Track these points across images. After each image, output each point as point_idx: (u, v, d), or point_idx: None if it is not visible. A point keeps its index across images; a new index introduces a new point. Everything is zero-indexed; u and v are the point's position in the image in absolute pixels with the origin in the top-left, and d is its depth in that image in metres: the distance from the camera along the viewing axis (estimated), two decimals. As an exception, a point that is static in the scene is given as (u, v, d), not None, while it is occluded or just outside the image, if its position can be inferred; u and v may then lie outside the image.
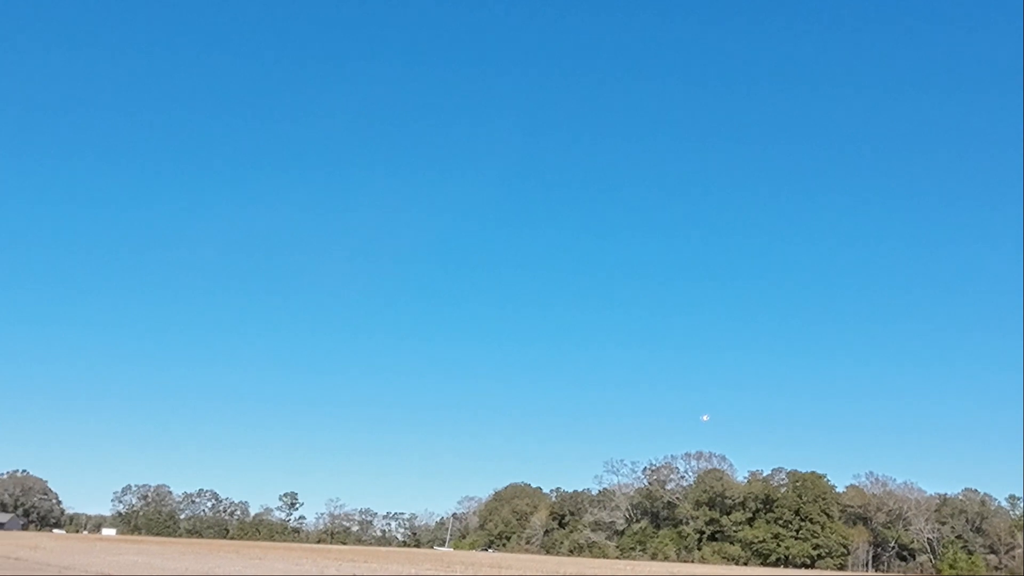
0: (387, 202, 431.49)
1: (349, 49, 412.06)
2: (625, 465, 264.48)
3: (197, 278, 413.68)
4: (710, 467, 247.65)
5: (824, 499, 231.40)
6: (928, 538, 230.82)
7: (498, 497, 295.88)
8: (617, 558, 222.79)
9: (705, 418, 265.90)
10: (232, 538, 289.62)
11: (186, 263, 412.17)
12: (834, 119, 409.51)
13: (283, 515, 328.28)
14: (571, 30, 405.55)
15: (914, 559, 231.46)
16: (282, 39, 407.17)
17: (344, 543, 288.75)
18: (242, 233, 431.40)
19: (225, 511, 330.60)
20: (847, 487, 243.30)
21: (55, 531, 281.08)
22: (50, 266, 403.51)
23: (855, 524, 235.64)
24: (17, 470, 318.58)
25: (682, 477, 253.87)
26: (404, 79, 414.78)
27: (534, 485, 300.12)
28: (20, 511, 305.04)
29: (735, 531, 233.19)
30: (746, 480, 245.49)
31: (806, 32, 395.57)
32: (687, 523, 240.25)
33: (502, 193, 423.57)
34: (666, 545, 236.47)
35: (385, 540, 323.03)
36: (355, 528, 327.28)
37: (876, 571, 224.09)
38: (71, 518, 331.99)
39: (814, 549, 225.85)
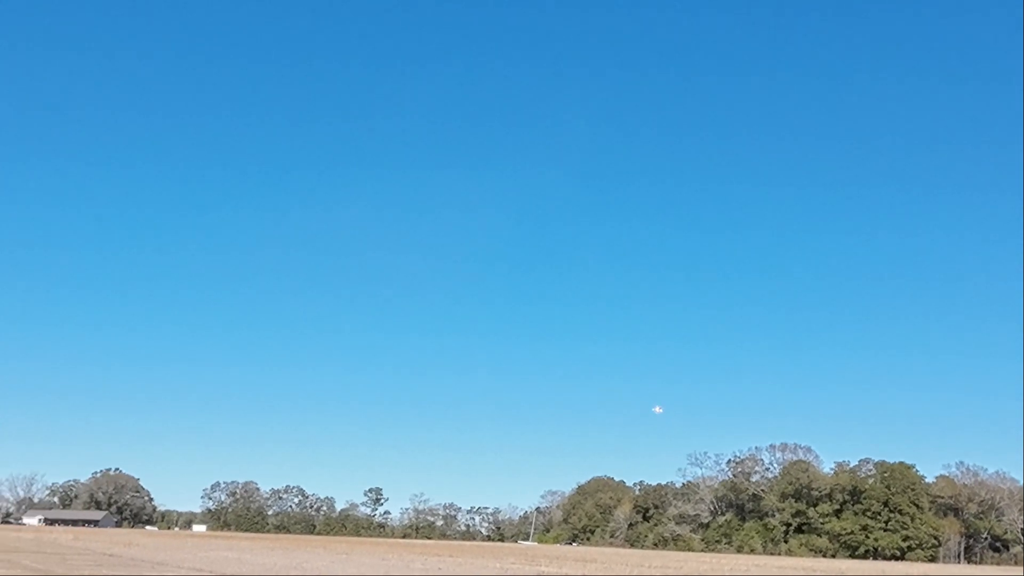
0: (463, 201, 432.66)
1: (425, 51, 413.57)
2: (709, 458, 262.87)
3: (280, 278, 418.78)
4: (795, 459, 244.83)
5: (913, 490, 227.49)
6: (1022, 528, 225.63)
7: (581, 491, 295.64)
8: (702, 551, 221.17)
9: (658, 409, 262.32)
10: (319, 533, 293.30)
11: (267, 264, 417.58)
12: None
13: (368, 510, 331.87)
14: (639, 28, 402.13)
15: (1008, 550, 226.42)
16: (362, 42, 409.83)
17: (428, 538, 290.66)
18: (323, 234, 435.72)
19: (312, 507, 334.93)
20: (937, 477, 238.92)
21: (147, 528, 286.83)
22: (148, 271, 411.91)
23: (946, 515, 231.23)
24: (110, 469, 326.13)
25: (767, 469, 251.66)
26: (479, 80, 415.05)
27: (617, 479, 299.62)
28: (114, 509, 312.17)
29: (822, 523, 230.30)
30: (832, 471, 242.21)
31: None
32: (773, 515, 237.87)
33: (575, 191, 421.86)
34: (752, 538, 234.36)
35: (469, 534, 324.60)
36: (439, 523, 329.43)
37: (968, 563, 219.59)
38: (163, 515, 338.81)
39: (904, 541, 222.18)
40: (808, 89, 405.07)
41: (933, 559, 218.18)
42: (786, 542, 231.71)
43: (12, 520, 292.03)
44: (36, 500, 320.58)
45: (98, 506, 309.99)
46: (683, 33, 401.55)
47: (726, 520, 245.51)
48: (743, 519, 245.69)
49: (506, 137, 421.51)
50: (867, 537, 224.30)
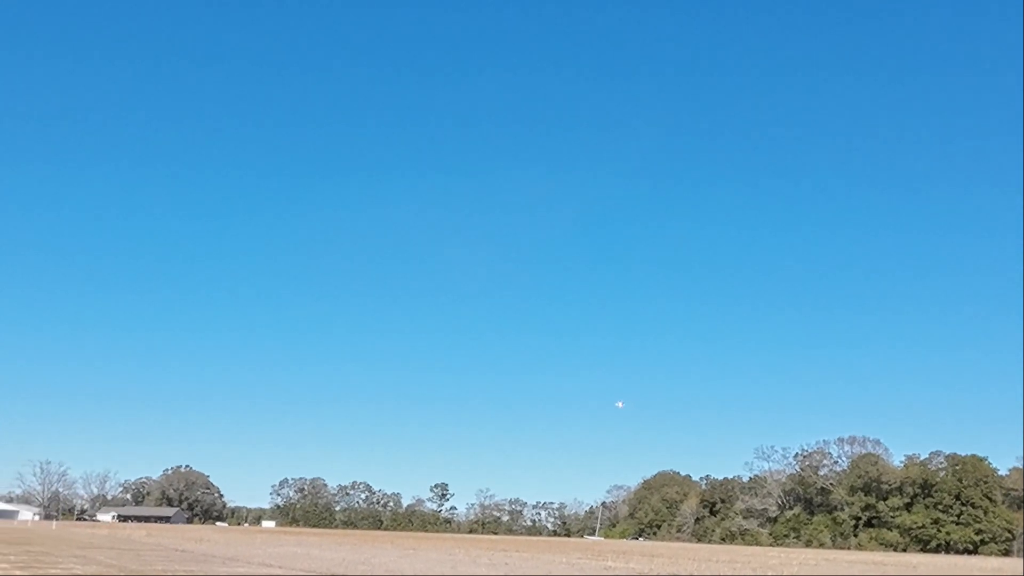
0: (524, 202, 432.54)
1: (485, 53, 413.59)
2: (776, 451, 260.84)
3: (347, 279, 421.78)
4: (864, 452, 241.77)
5: (986, 482, 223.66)
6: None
7: (647, 485, 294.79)
8: (770, 545, 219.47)
9: (619, 404, 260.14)
10: (386, 529, 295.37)
11: (336, 264, 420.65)
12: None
13: (434, 506, 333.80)
14: (698, 28, 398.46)
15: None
16: (420, 43, 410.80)
17: (494, 533, 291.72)
18: (388, 234, 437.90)
19: (378, 502, 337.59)
20: (1011, 470, 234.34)
21: (218, 524, 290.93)
22: (218, 273, 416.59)
23: (1019, 508, 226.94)
24: (181, 466, 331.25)
25: (835, 462, 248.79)
26: (541, 81, 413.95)
27: (683, 473, 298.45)
28: (185, 505, 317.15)
29: (892, 517, 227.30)
30: (902, 464, 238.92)
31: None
32: (842, 509, 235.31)
33: (637, 191, 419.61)
34: (821, 532, 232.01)
35: (535, 530, 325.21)
36: (505, 518, 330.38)
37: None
38: (232, 511, 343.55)
39: (976, 535, 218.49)
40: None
41: (1007, 553, 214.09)
42: (855, 536, 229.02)
43: (87, 517, 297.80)
44: (110, 497, 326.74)
45: (169, 503, 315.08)
46: (748, 32, 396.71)
47: (794, 514, 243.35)
48: (811, 513, 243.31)
49: (567, 137, 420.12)
50: (939, 531, 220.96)
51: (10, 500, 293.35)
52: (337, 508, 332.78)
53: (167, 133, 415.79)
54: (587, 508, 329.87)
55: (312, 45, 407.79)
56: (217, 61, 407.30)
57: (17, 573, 31.28)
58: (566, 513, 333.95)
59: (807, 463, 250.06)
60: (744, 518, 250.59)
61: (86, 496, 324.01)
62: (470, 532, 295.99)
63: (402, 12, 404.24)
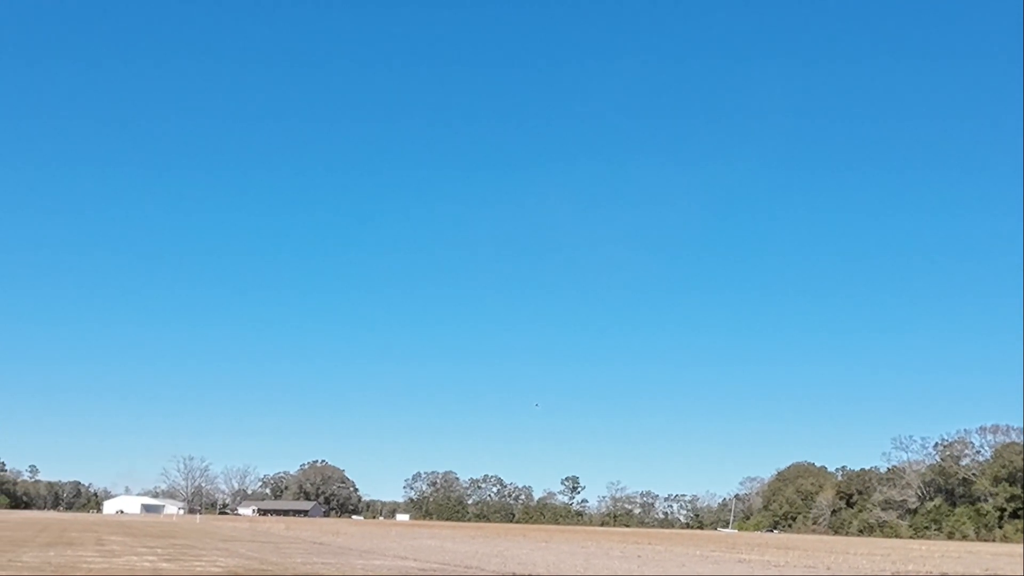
0: (657, 193, 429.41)
1: (613, 44, 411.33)
2: (915, 441, 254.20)
3: (480, 274, 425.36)
4: (1008, 441, 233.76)
5: None
6: None
7: (781, 477, 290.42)
8: (911, 538, 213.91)
9: (536, 405, 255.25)
10: (518, 522, 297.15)
11: (463, 260, 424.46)
12: None
13: (566, 499, 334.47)
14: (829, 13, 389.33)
15: None
16: (542, 33, 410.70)
17: (626, 526, 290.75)
18: (517, 229, 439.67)
19: (510, 495, 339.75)
20: None
21: (354, 517, 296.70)
22: (349, 271, 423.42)
23: None
24: (317, 461, 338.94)
25: (977, 452, 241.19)
26: (670, 72, 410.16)
27: (818, 464, 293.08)
28: (321, 499, 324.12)
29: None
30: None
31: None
32: (985, 500, 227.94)
33: (770, 180, 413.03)
34: (963, 524, 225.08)
35: (667, 522, 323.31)
36: (637, 511, 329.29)
37: None
38: (367, 505, 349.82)
39: None
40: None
41: None
42: (1000, 528, 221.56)
43: (228, 511, 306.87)
44: (250, 492, 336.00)
45: (307, 497, 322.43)
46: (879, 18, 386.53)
47: (935, 506, 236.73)
48: (953, 504, 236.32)
49: (697, 127, 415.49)
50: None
51: (156, 495, 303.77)
52: (469, 501, 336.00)
53: (305, 133, 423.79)
54: (720, 500, 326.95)
55: (440, 41, 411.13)
56: (351, 62, 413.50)
57: (164, 565, 32.31)
58: (699, 506, 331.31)
59: (948, 453, 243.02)
60: (882, 510, 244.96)
61: (227, 491, 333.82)
62: (601, 525, 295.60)
63: (537, 3, 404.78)
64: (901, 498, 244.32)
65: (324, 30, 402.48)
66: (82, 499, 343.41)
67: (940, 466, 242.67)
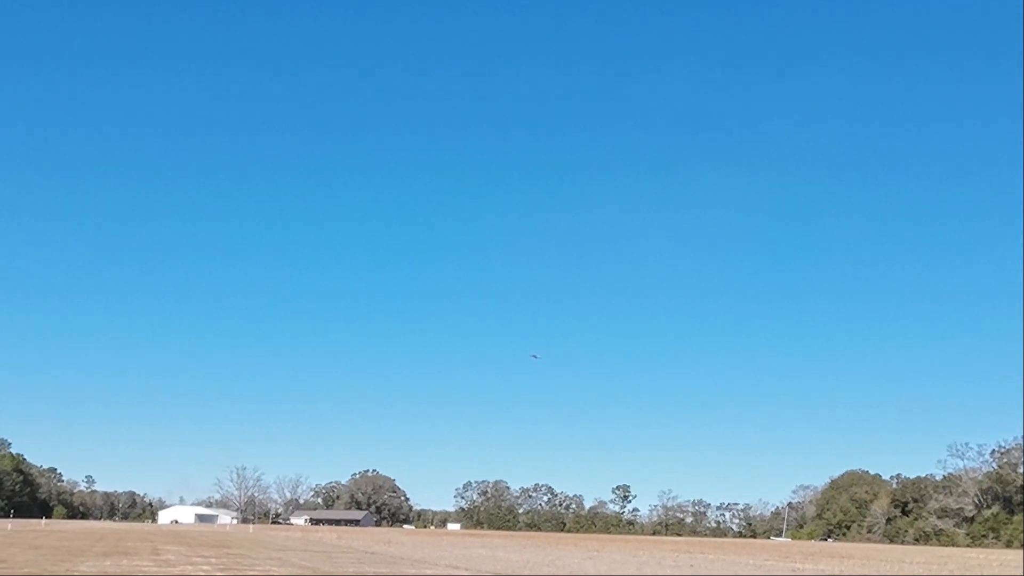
0: (705, 199, 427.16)
1: (662, 51, 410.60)
2: (971, 448, 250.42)
3: (524, 284, 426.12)
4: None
5: None
6: None
7: (835, 485, 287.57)
8: (968, 546, 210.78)
9: (535, 355, 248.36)
10: (569, 531, 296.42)
11: (512, 270, 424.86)
12: None
13: (617, 508, 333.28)
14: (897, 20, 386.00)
15: None
16: (597, 40, 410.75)
17: (678, 535, 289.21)
18: (566, 237, 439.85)
19: (561, 504, 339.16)
20: None
21: (405, 527, 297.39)
22: (402, 279, 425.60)
23: None
24: (368, 470, 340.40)
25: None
26: (719, 79, 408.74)
27: (872, 472, 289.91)
28: (372, 508, 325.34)
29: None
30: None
31: None
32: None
33: (820, 187, 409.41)
34: (1022, 532, 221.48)
35: (719, 531, 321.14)
36: (688, 519, 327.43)
37: None
38: (418, 514, 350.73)
39: None
40: None
41: None
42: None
43: (281, 520, 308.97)
44: (302, 501, 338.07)
45: (358, 506, 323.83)
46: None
47: (992, 514, 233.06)
48: (1011, 512, 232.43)
49: (747, 133, 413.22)
50: None
51: (210, 505, 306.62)
52: (520, 510, 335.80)
53: (363, 146, 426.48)
54: (773, 509, 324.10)
55: (490, 50, 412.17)
56: (378, 66, 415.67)
57: (218, 574, 32.58)
58: (751, 514, 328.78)
59: (1005, 460, 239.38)
60: (939, 518, 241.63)
61: (280, 500, 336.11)
62: (653, 534, 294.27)
63: (587, 11, 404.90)
64: (957, 506, 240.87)
65: (370, 37, 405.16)
66: (137, 509, 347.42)
67: (997, 473, 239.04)
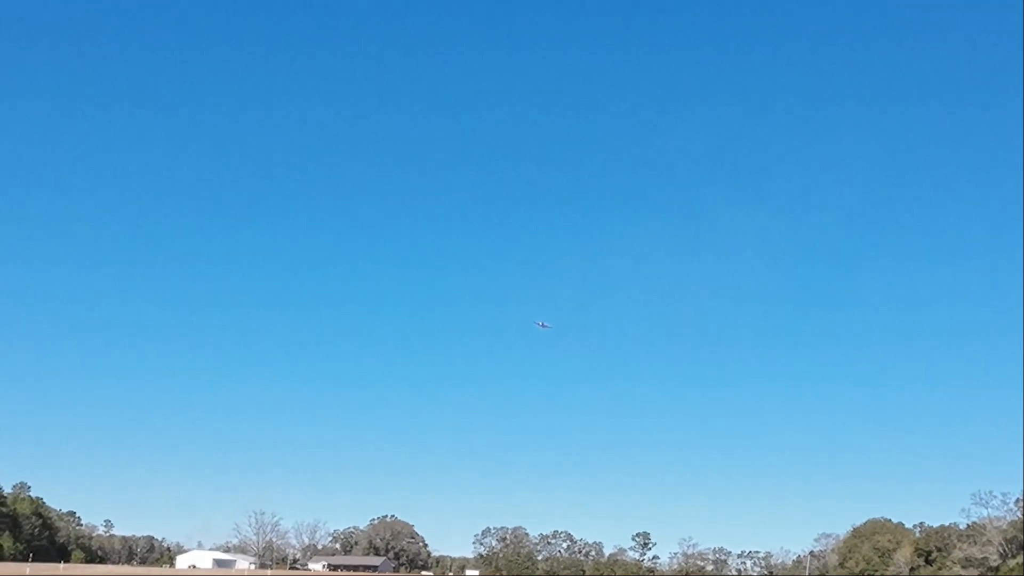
0: (738, 243, 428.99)
1: (694, 94, 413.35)
2: (995, 497, 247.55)
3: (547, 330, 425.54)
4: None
5: None
6: None
7: (857, 533, 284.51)
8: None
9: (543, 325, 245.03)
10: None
11: (536, 315, 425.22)
12: None
13: (637, 555, 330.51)
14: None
15: None
16: (620, 88, 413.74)
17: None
18: (595, 281, 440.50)
19: (580, 551, 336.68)
20: None
21: (423, 573, 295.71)
22: (416, 328, 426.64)
23: None
24: (387, 515, 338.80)
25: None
26: (753, 121, 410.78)
27: (895, 520, 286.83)
28: (391, 554, 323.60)
29: None
30: None
31: None
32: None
33: (847, 232, 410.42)
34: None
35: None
36: (709, 567, 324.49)
37: None
38: (437, 560, 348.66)
39: None
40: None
41: None
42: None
43: (299, 566, 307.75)
44: (320, 547, 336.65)
45: (376, 552, 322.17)
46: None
47: (1018, 563, 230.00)
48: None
49: (778, 176, 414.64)
50: None
51: (227, 550, 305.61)
52: (539, 557, 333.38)
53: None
54: (795, 557, 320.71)
55: (524, 93, 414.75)
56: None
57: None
58: (773, 562, 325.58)
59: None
60: (963, 568, 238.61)
61: (298, 545, 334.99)
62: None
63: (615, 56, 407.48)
64: (982, 555, 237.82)
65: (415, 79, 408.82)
66: (155, 553, 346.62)
67: (1022, 522, 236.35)
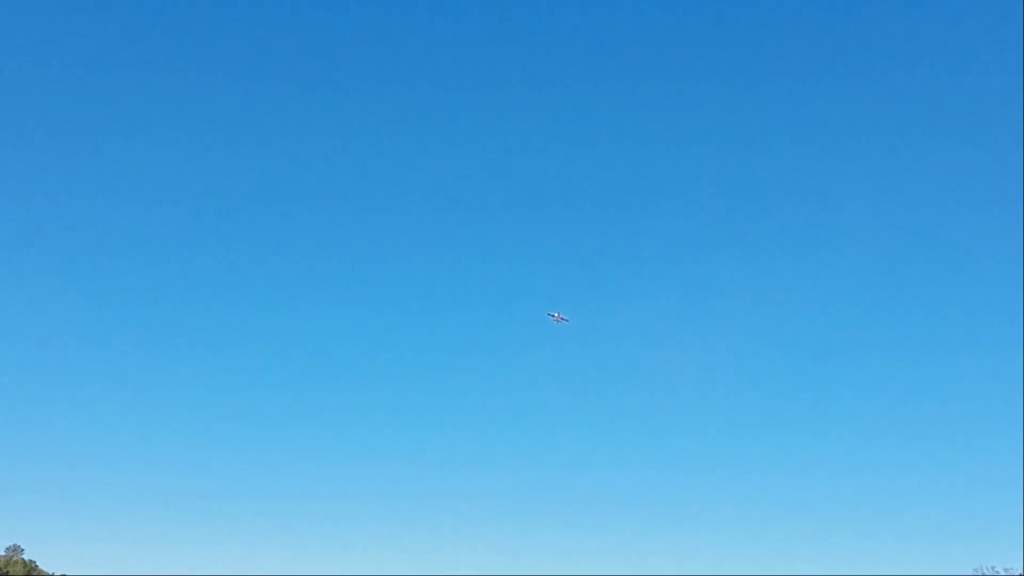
0: (754, 288, 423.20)
1: (707, 134, 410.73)
2: (996, 572, 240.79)
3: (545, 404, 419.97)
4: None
5: None
6: None
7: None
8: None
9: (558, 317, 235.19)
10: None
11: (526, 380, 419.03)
12: None
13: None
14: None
15: None
16: (636, 123, 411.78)
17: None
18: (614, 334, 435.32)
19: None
20: None
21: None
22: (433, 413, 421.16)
23: None
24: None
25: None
26: (768, 162, 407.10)
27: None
28: None
29: None
30: None
31: None
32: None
33: (878, 278, 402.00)
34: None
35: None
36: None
37: None
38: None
39: None
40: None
41: None
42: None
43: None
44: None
45: None
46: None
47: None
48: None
49: (792, 219, 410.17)
50: None
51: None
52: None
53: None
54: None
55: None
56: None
57: None
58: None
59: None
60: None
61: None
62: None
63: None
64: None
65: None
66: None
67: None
